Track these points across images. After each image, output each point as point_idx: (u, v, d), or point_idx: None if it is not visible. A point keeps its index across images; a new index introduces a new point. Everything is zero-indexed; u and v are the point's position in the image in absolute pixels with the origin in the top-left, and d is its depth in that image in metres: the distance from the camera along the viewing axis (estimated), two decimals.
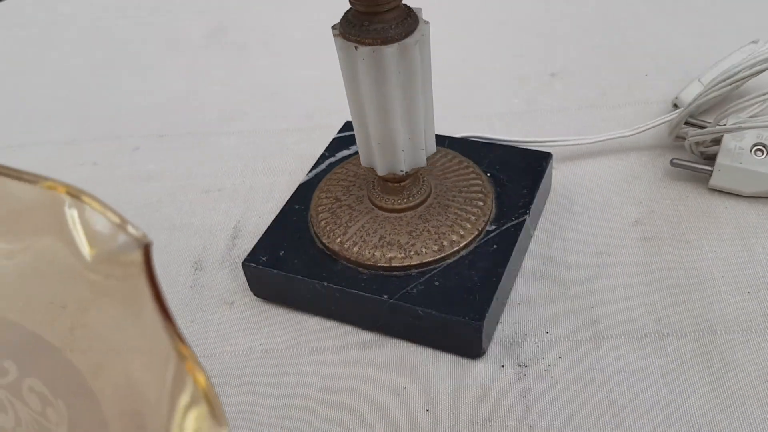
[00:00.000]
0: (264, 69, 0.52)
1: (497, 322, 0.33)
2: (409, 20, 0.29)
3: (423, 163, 0.33)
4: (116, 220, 0.16)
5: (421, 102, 0.31)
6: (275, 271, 0.34)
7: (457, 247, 0.33)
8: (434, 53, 0.51)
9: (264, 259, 0.34)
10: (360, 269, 0.33)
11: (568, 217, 0.38)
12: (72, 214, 0.17)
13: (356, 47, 0.28)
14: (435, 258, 0.33)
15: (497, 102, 0.46)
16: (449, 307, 0.31)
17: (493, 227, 0.34)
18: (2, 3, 0.63)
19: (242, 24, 0.57)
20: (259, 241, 0.35)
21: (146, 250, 0.16)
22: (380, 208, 0.35)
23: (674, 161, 0.38)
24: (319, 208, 0.36)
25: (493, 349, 0.32)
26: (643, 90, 0.45)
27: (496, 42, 0.52)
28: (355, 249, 0.33)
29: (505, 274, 0.32)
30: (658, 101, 0.44)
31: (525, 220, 0.34)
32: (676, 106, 0.41)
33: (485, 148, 0.38)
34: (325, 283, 0.33)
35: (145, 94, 0.51)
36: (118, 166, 0.45)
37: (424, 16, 0.31)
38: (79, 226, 0.17)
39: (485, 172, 0.37)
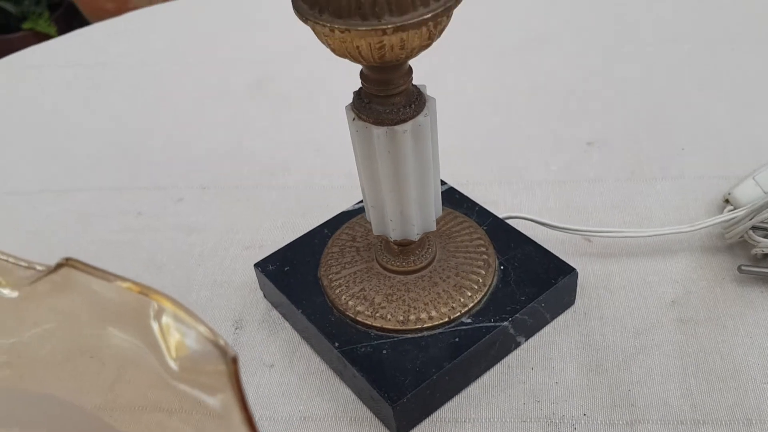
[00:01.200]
0: (307, 123, 0.53)
1: (430, 412, 0.33)
2: (407, 109, 0.30)
3: (413, 237, 0.34)
4: (202, 330, 0.17)
5: (413, 183, 0.32)
6: (271, 283, 0.37)
7: (420, 326, 0.34)
8: (471, 113, 0.52)
9: (271, 268, 0.38)
10: (334, 310, 0.35)
11: (605, 293, 0.38)
12: (156, 323, 0.18)
13: (354, 118, 0.31)
14: (396, 328, 0.34)
15: (535, 168, 0.47)
16: (378, 379, 0.32)
17: (469, 321, 0.34)
18: (52, 41, 0.65)
19: (287, 76, 0.59)
20: (277, 251, 0.39)
21: (234, 363, 0.16)
22: (378, 262, 0.37)
23: (743, 269, 0.37)
24: (336, 241, 0.39)
25: (533, 429, 0.32)
26: (680, 165, 0.46)
27: (533, 106, 0.53)
28: (338, 290, 0.36)
29: (450, 369, 0.32)
30: (693, 177, 0.45)
31: (504, 325, 0.34)
32: (728, 201, 0.42)
33: (519, 240, 0.38)
34: (300, 311, 0.35)
35: (190, 143, 0.52)
36: (161, 216, 0.46)
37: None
38: (163, 334, 0.18)
39: (500, 263, 0.37)
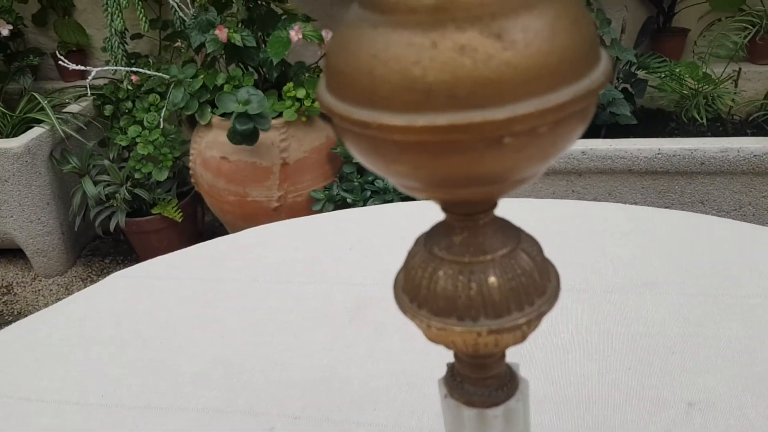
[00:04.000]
0: (402, 354, 0.55)
1: None
2: (499, 393, 0.31)
3: None
4: None
5: None
6: None
7: None
8: (565, 357, 0.52)
9: None
10: None
11: None
12: None
13: (445, 395, 0.31)
14: None
15: (634, 428, 0.45)
16: None
17: None
18: (178, 253, 0.71)
19: (387, 301, 0.61)
20: None
21: None
22: None
23: None
24: None
25: None
26: None
27: (632, 355, 0.52)
28: None
29: None
30: None
31: None
32: None
33: None
34: None
35: (288, 366, 0.54)
36: None
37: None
38: None
39: None
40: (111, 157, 1.80)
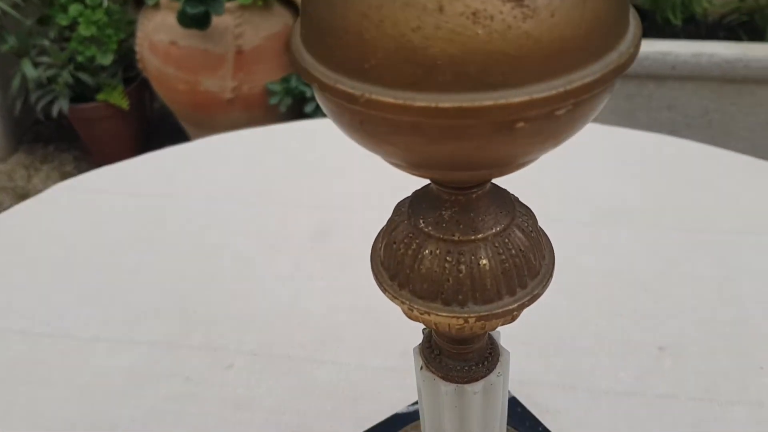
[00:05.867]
0: (368, 287, 0.52)
1: None
2: (479, 367, 0.29)
3: None
4: None
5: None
6: None
7: None
8: (542, 305, 0.50)
9: None
10: None
11: None
12: None
13: (421, 367, 0.29)
14: None
15: (602, 373, 0.45)
16: None
17: None
18: (122, 164, 0.66)
19: (348, 228, 0.58)
20: None
21: None
22: None
23: None
24: None
25: None
26: (758, 387, 0.43)
27: (604, 293, 0.50)
28: None
29: None
30: None
31: None
32: None
33: None
34: None
35: (247, 298, 0.52)
36: (209, 385, 0.45)
37: None
38: None
39: None
40: (51, 36, 1.67)
